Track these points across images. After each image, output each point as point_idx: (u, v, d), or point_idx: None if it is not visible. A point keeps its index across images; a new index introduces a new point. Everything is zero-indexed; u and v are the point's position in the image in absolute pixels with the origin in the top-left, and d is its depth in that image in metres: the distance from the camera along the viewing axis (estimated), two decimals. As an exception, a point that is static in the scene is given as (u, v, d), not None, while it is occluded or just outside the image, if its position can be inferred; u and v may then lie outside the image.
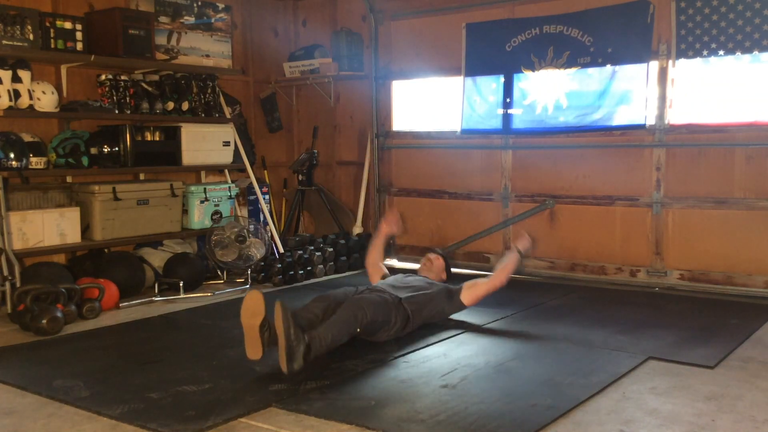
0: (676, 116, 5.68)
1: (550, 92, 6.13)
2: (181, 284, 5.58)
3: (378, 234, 5.22)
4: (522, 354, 4.01)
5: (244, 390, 3.39)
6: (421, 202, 7.06)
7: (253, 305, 3.57)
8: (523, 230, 4.97)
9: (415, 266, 6.68)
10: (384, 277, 4.86)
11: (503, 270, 4.70)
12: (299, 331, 3.53)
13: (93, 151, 5.55)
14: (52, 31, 5.29)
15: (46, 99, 5.23)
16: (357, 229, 7.21)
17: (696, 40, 5.45)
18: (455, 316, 4.78)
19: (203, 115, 6.35)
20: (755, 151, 5.38)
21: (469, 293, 4.63)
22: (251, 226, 6.14)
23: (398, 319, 4.19)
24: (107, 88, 5.76)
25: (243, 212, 6.88)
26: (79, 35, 5.44)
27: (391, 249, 7.23)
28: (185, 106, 6.19)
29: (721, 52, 5.36)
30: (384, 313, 4.07)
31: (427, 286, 4.57)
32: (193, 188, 6.27)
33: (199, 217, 6.28)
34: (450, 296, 4.60)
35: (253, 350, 3.57)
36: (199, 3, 6.30)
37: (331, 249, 6.61)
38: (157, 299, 5.47)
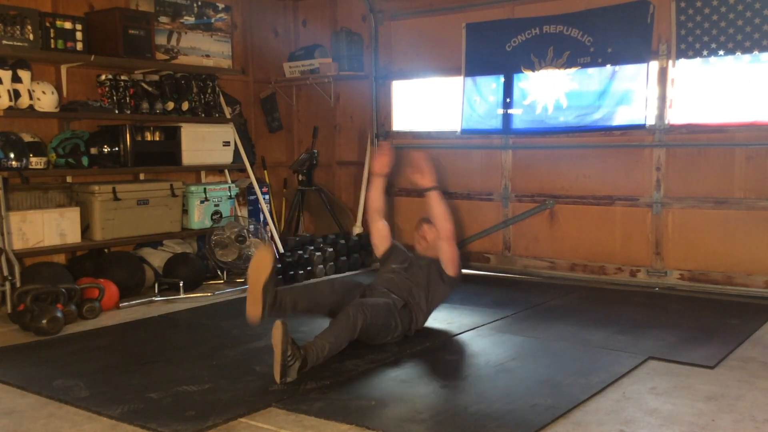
0: (676, 116, 5.68)
1: (550, 92, 6.13)
2: (181, 284, 5.58)
3: (372, 178, 4.62)
4: (522, 354, 4.01)
5: (244, 390, 3.39)
6: (421, 202, 6.95)
7: (262, 262, 3.58)
8: (415, 160, 4.39)
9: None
10: (389, 236, 4.61)
11: (439, 218, 4.33)
12: (296, 348, 3.50)
13: (93, 151, 5.55)
14: (52, 31, 5.28)
15: (46, 99, 5.23)
16: (357, 229, 7.21)
17: (696, 40, 5.45)
18: (457, 315, 4.78)
19: (203, 115, 6.35)
20: (755, 151, 5.38)
21: (446, 264, 4.38)
22: (251, 226, 6.14)
23: (400, 324, 4.17)
24: (107, 88, 5.76)
25: (243, 212, 6.87)
26: (79, 35, 5.44)
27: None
28: (185, 106, 6.19)
29: (721, 52, 5.36)
30: (384, 316, 4.04)
31: (424, 280, 4.39)
32: (193, 188, 6.27)
33: (199, 217, 6.28)
34: (441, 278, 4.41)
35: (253, 308, 3.58)
36: (199, 3, 6.30)
37: (331, 249, 6.61)
38: (157, 299, 5.47)
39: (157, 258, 5.91)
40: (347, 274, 6.64)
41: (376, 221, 4.61)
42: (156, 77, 6.10)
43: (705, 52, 5.43)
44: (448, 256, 4.35)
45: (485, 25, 6.44)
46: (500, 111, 6.38)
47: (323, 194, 7.44)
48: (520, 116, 6.30)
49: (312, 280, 4.08)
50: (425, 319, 4.45)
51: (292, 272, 6.18)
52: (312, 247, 6.52)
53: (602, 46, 5.86)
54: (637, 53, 5.71)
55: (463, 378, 3.58)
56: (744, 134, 5.40)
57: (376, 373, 3.67)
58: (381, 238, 4.60)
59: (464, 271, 6.41)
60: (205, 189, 6.32)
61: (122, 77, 5.84)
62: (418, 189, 4.37)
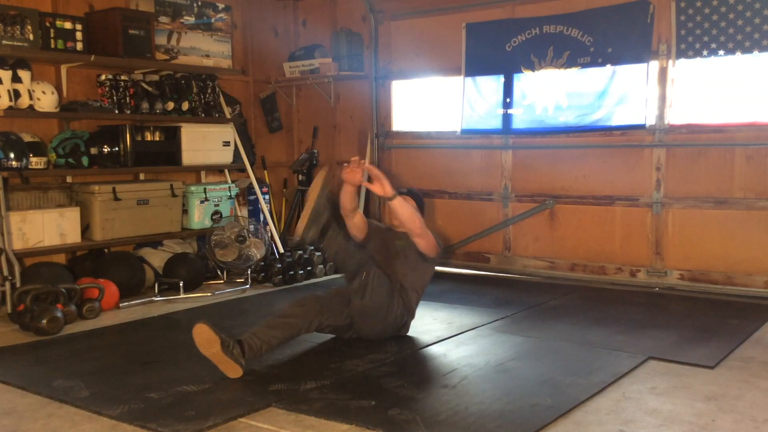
0: (676, 116, 5.68)
1: (550, 92, 6.13)
2: (181, 284, 5.58)
3: (344, 185, 4.22)
4: (522, 354, 4.01)
5: (244, 390, 3.40)
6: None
7: (204, 338, 3.51)
8: (371, 173, 4.13)
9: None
10: (366, 225, 4.49)
11: (407, 220, 4.12)
12: (329, 204, 3.66)
13: (93, 151, 5.55)
14: (52, 31, 5.28)
15: (46, 99, 5.24)
16: (357, 229, 7.20)
17: (696, 40, 5.45)
18: (457, 315, 4.79)
19: (203, 115, 6.35)
20: (755, 151, 5.38)
21: (425, 251, 4.24)
22: (251, 226, 6.14)
23: (402, 302, 4.17)
24: (107, 88, 5.76)
25: (243, 212, 6.87)
26: (79, 35, 5.44)
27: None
28: (185, 106, 6.19)
29: (721, 52, 5.36)
30: (388, 287, 4.06)
31: (410, 264, 4.30)
32: (193, 188, 6.27)
33: (199, 217, 6.28)
34: (424, 258, 4.29)
35: (231, 371, 3.55)
36: (199, 3, 6.30)
37: (331, 249, 6.60)
38: (157, 299, 5.47)
39: (157, 258, 5.91)
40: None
41: (352, 218, 4.43)
42: (156, 77, 6.10)
43: (705, 52, 5.43)
44: (425, 246, 4.21)
45: (485, 25, 6.44)
46: (500, 111, 6.38)
47: (323, 194, 7.42)
48: (520, 116, 6.29)
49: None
50: (418, 301, 4.36)
51: (292, 272, 6.18)
52: (312, 247, 6.52)
53: (602, 46, 5.85)
54: (637, 53, 5.70)
55: (463, 378, 3.57)
56: (744, 134, 5.40)
57: (376, 373, 3.67)
58: (359, 231, 4.46)
59: (464, 271, 6.46)
60: (205, 189, 6.32)
61: (122, 77, 5.84)
62: (382, 198, 4.13)
